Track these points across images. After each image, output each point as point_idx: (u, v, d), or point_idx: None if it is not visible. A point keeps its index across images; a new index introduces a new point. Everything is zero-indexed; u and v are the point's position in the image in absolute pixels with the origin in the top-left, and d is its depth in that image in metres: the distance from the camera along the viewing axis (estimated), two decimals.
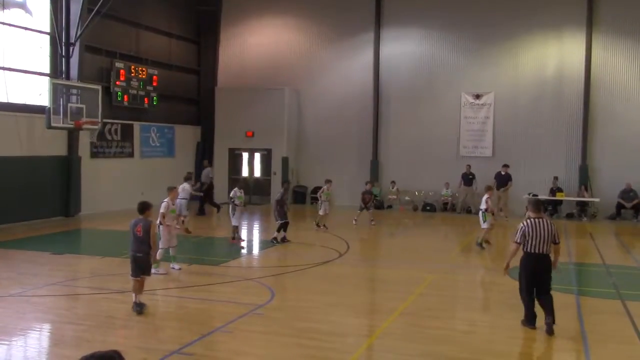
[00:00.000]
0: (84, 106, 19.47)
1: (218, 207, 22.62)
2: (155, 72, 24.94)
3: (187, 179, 19.31)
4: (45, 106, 18.68)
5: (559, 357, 8.42)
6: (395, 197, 25.89)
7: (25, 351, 8.28)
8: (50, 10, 19.89)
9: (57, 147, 20.62)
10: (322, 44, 27.32)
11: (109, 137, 22.92)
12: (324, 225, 19.26)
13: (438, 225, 22.52)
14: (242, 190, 16.65)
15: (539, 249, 8.88)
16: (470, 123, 25.41)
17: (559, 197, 23.34)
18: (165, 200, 12.94)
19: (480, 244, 16.14)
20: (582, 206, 23.67)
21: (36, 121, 19.18)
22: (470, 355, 8.08)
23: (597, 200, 23.29)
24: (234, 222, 16.42)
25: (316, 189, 25.18)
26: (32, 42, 19.98)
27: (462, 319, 10.02)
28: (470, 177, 24.53)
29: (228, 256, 15.01)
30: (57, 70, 20.46)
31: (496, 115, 25.15)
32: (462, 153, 25.52)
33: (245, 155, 27.84)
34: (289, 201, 20.50)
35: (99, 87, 20.65)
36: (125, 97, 23.42)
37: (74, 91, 19.45)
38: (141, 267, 9.78)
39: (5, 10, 18.81)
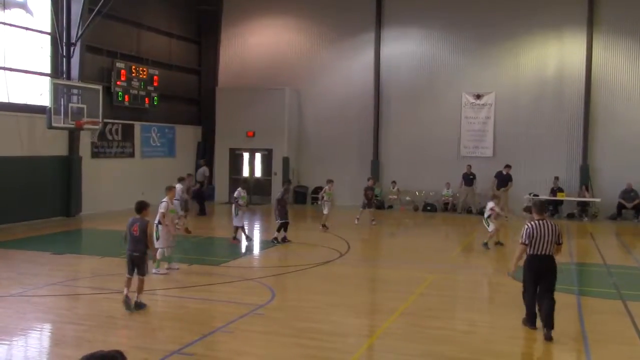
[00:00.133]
0: (84, 106, 19.46)
1: (204, 209, 22.35)
2: (156, 72, 24.95)
3: (180, 180, 19.19)
4: (46, 106, 18.66)
5: (559, 357, 8.41)
6: (396, 197, 25.87)
7: (26, 351, 8.29)
8: (51, 10, 19.88)
9: (58, 147, 20.65)
10: (322, 44, 27.31)
11: (109, 137, 22.94)
12: (324, 225, 19.26)
13: (439, 225, 22.50)
14: (245, 191, 16.70)
15: (542, 251, 8.86)
16: (471, 123, 25.40)
17: (559, 197, 23.32)
18: (165, 200, 12.92)
19: (486, 244, 16.15)
20: (583, 206, 23.64)
21: (37, 121, 19.19)
22: (470, 355, 8.09)
23: (598, 200, 23.26)
24: (235, 223, 16.44)
25: (317, 189, 25.20)
26: (33, 42, 19.98)
27: (462, 319, 10.02)
28: (471, 177, 24.53)
29: (228, 256, 15.03)
30: (58, 70, 20.48)
31: (497, 115, 25.14)
32: (462, 153, 25.51)
33: (246, 156, 27.81)
34: (290, 201, 20.49)
35: (100, 87, 20.64)
36: (126, 97, 23.43)
37: (75, 91, 19.44)
38: (137, 267, 9.83)
39: (6, 11, 18.83)
